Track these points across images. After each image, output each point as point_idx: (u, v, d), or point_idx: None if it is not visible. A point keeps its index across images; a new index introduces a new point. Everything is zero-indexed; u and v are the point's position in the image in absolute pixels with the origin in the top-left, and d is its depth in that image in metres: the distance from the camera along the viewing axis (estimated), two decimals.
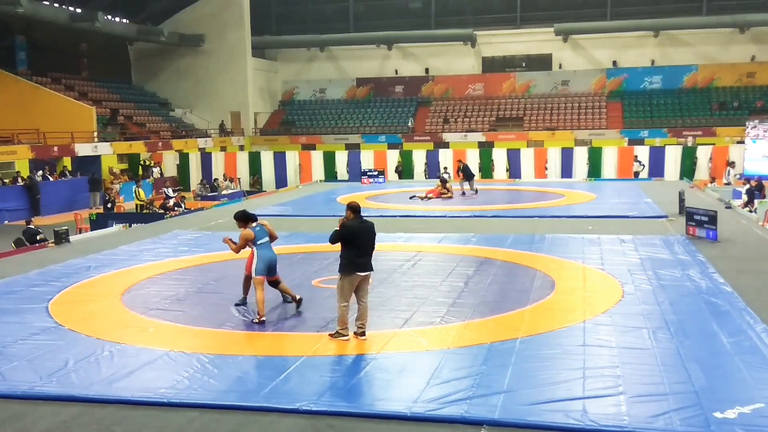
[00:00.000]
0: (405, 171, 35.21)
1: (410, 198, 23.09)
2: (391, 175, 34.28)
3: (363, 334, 8.11)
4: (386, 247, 14.27)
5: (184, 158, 37.50)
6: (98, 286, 11.24)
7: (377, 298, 10.04)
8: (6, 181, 29.58)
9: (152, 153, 38.07)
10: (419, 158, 35.62)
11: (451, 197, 23.12)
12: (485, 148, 37.40)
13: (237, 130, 47.03)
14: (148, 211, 24.79)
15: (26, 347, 8.05)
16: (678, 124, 42.20)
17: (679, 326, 8.41)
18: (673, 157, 32.98)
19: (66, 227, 16.74)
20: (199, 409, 6.31)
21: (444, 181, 23.89)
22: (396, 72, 50.36)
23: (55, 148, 31.83)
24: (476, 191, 24.26)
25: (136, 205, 26.54)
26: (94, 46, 43.26)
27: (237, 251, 9.41)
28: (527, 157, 34.57)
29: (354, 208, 8.30)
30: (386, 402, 6.31)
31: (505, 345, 7.83)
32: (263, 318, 8.86)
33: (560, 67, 48.09)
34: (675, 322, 8.60)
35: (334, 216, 19.41)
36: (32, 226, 18.34)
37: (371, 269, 8.20)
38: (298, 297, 9.51)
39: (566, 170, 33.80)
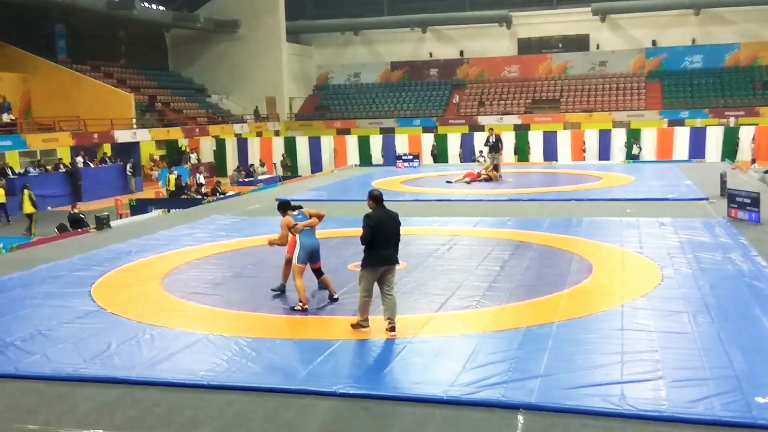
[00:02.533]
0: (440, 155, 35.09)
1: (447, 182, 22.90)
2: (426, 158, 34.18)
3: (393, 329, 7.69)
4: (422, 231, 14.27)
5: (220, 144, 37.89)
6: (139, 270, 11.45)
7: (413, 282, 10.06)
8: (48, 167, 30.22)
9: (189, 139, 38.54)
10: (454, 142, 35.44)
11: (488, 180, 22.84)
12: (521, 131, 37.07)
13: (272, 115, 47.29)
14: (186, 196, 25.14)
15: (70, 330, 8.25)
16: (719, 105, 41.29)
17: (719, 310, 8.27)
18: (714, 138, 32.34)
19: (107, 213, 17.06)
20: (238, 392, 6.40)
21: (495, 168, 23.24)
22: (430, 55, 50.08)
23: (96, 135, 32.40)
24: (497, 169, 23.42)
25: (168, 191, 26.93)
26: (132, 34, 43.80)
27: (283, 242, 9.23)
28: (564, 139, 34.17)
29: (376, 198, 7.91)
30: (422, 385, 6.33)
31: (541, 329, 7.78)
32: (306, 306, 8.81)
33: (597, 47, 47.34)
34: (716, 306, 8.46)
35: None
36: (76, 212, 18.76)
37: (397, 262, 7.91)
38: (335, 296, 9.25)
39: (604, 152, 33.36)
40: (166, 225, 15.97)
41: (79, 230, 16.42)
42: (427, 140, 35.91)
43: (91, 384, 6.67)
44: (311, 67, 51.87)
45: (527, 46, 48.81)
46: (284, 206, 9.39)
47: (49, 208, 25.90)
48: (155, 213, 18.69)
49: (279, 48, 47.02)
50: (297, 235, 9.03)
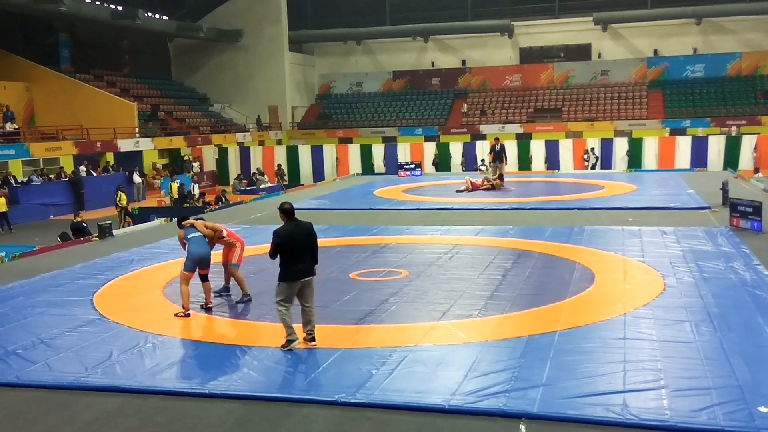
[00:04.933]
0: (442, 163, 35.12)
1: (457, 192, 22.79)
2: (429, 167, 34.21)
3: (313, 339, 7.63)
4: (423, 240, 14.27)
5: (223, 153, 37.95)
6: (141, 279, 11.45)
7: (414, 291, 10.05)
8: (51, 176, 30.29)
9: (192, 148, 38.60)
10: (456, 151, 35.48)
11: (491, 188, 22.84)
12: (523, 140, 37.09)
13: (275, 124, 47.40)
14: (188, 205, 25.18)
15: (72, 339, 8.25)
16: (721, 114, 41.32)
17: (722, 319, 8.25)
18: (716, 147, 32.31)
19: (109, 221, 17.08)
20: (239, 400, 6.40)
21: (500, 177, 23.25)
22: (432, 64, 50.22)
23: (98, 144, 32.48)
24: (501, 179, 23.39)
25: (171, 199, 26.98)
26: (135, 43, 43.99)
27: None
28: (566, 148, 34.19)
29: (286, 211, 7.79)
30: (424, 395, 6.32)
31: (543, 338, 7.77)
32: (189, 312, 9.08)
33: (599, 56, 47.46)
34: (718, 315, 8.44)
35: (371, 209, 19.48)
36: (78, 220, 18.79)
37: (313, 274, 7.74)
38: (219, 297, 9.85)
39: (606, 161, 33.36)
40: (168, 234, 15.98)
41: (82, 239, 16.44)
42: (429, 149, 35.95)
43: (93, 393, 6.67)
44: (314, 76, 52.01)
45: (529, 56, 48.92)
46: (180, 222, 9.85)
47: (51, 216, 25.94)
48: (157, 222, 18.71)
49: (281, 57, 47.17)
50: (188, 245, 9.33)
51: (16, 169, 30.30)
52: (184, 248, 9.46)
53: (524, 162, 34.32)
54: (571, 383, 6.48)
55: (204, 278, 9.54)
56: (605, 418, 5.75)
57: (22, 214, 25.11)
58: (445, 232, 15.02)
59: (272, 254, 7.67)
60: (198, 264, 9.31)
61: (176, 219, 10.11)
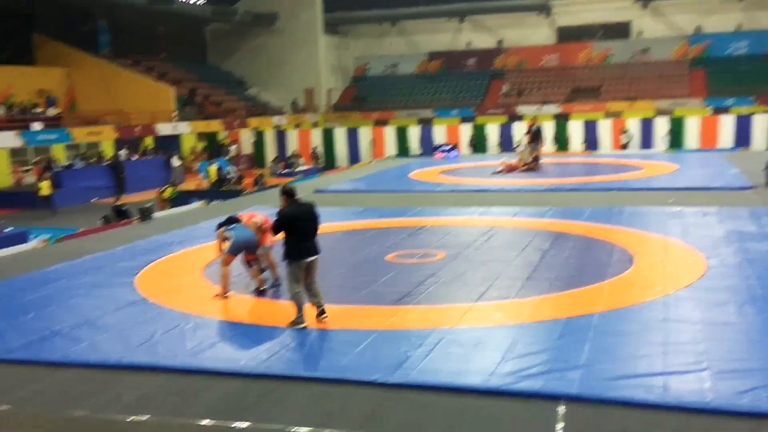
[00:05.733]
0: (478, 145, 34.89)
1: (493, 173, 22.66)
2: (465, 149, 34.02)
3: (323, 312, 7.89)
4: (460, 221, 14.23)
5: (259, 136, 38.21)
6: (181, 261, 11.63)
7: (451, 272, 10.04)
8: (92, 160, 30.85)
9: (229, 131, 38.93)
10: (493, 132, 35.20)
11: (528, 170, 22.64)
12: (561, 120, 36.62)
13: (310, 107, 47.52)
14: (226, 188, 25.45)
15: (115, 319, 8.42)
16: (766, 92, 40.20)
17: (766, 301, 8.09)
18: (760, 125, 31.50)
19: (150, 204, 17.35)
20: (278, 380, 6.48)
21: (537, 158, 23.03)
22: (468, 45, 49.74)
23: (138, 128, 32.96)
24: (537, 160, 23.23)
25: (210, 182, 27.28)
26: (172, 28, 44.37)
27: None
28: (605, 128, 33.68)
29: (288, 192, 7.92)
30: (461, 375, 6.32)
31: (582, 320, 7.71)
32: (227, 294, 9.13)
33: (639, 34, 46.48)
34: (762, 296, 8.27)
35: (407, 191, 19.46)
36: (120, 203, 19.14)
37: (318, 252, 7.90)
38: (276, 282, 9.67)
39: (646, 141, 32.80)
40: (207, 216, 16.18)
41: (123, 222, 16.74)
42: (465, 131, 35.71)
43: (136, 371, 6.81)
44: (349, 59, 51.92)
45: (567, 35, 48.14)
46: (222, 224, 9.66)
47: (93, 200, 26.44)
48: (196, 204, 18.94)
49: (316, 40, 47.17)
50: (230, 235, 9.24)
51: (59, 154, 30.93)
52: (222, 245, 9.36)
53: (562, 143, 33.91)
54: (610, 365, 6.42)
55: (251, 263, 9.55)
56: (645, 400, 5.70)
57: (65, 198, 25.63)
58: (482, 214, 14.95)
59: (274, 230, 7.90)
60: (244, 248, 9.29)
61: (222, 223, 9.81)
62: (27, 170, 29.84)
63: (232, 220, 9.69)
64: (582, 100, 43.47)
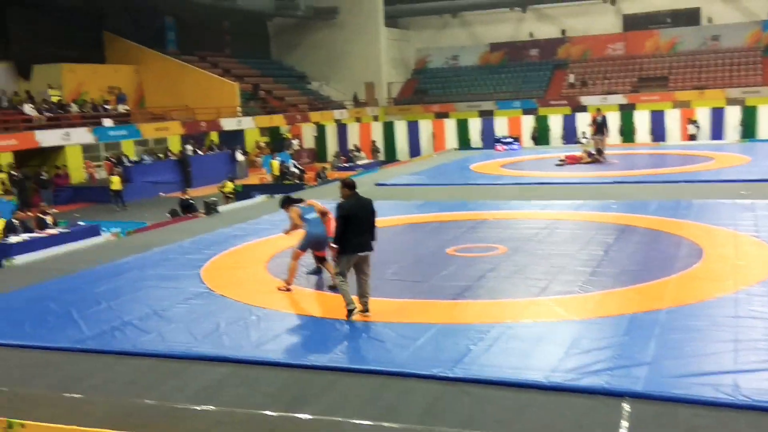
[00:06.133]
0: (541, 137, 34.40)
1: (557, 164, 22.37)
2: (527, 141, 33.59)
3: (367, 310, 7.87)
4: (521, 214, 14.07)
5: (321, 130, 38.53)
6: (245, 253, 11.85)
7: (512, 266, 9.94)
8: (160, 155, 31.69)
9: (291, 126, 39.39)
10: (556, 123, 34.64)
11: (592, 162, 22.22)
12: (626, 111, 35.77)
13: (371, 100, 47.66)
14: (289, 181, 25.78)
15: (182, 310, 8.65)
16: None
17: None
18: None
19: (215, 198, 17.73)
20: (340, 372, 6.54)
21: (601, 150, 22.63)
22: (531, 35, 49.02)
23: (203, 124, 33.67)
24: (601, 153, 22.70)
25: (273, 176, 27.67)
26: (236, 24, 45.08)
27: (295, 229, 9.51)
28: (672, 118, 32.75)
29: (349, 185, 7.94)
30: (523, 371, 6.26)
31: (648, 315, 7.53)
32: (290, 287, 9.24)
33: (709, 21, 44.94)
34: None
35: (468, 184, 19.34)
36: (186, 197, 19.62)
37: (371, 249, 7.87)
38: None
39: (716, 132, 31.75)
40: (270, 210, 16.42)
41: (189, 215, 17.15)
42: (528, 122, 35.25)
43: (202, 362, 6.98)
44: (409, 51, 51.82)
45: (633, 22, 46.91)
46: (287, 201, 9.77)
47: (161, 194, 27.16)
48: (259, 198, 19.25)
49: (377, 33, 47.23)
50: (304, 225, 9.27)
51: (129, 149, 31.87)
52: (295, 228, 9.47)
53: (628, 134, 33.12)
54: (677, 362, 6.26)
55: (321, 260, 9.60)
56: (714, 399, 5.53)
57: (134, 192, 26.42)
58: (544, 207, 14.74)
59: (337, 231, 7.79)
60: (314, 245, 9.36)
61: (282, 199, 10.00)
62: (98, 165, 30.88)
63: (292, 200, 9.74)
64: (649, 90, 42.34)
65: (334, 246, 7.95)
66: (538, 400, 5.77)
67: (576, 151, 23.62)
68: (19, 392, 6.39)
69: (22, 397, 6.26)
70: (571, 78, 45.22)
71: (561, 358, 6.48)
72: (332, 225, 9.74)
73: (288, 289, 9.23)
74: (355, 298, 7.93)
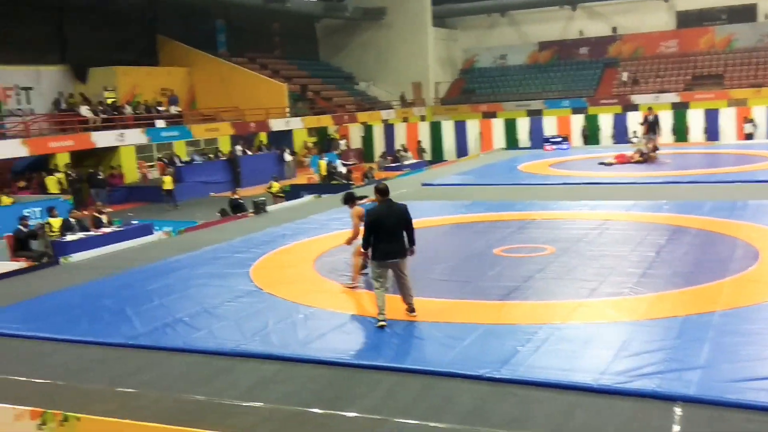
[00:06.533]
0: (591, 136, 33.88)
1: (600, 164, 22.09)
2: (576, 140, 33.13)
3: (412, 310, 7.81)
4: (570, 215, 13.90)
5: (368, 130, 38.65)
6: (293, 253, 11.97)
7: (561, 267, 9.83)
8: (210, 156, 32.22)
9: (339, 126, 39.62)
10: (606, 122, 34.09)
11: (643, 161, 21.81)
12: (679, 109, 34.99)
13: (418, 100, 47.62)
14: (336, 181, 25.93)
15: (232, 308, 8.78)
16: None
17: None
18: None
19: (263, 198, 17.95)
20: (386, 372, 6.56)
21: (653, 149, 22.19)
22: (581, 33, 48.35)
23: (252, 124, 34.11)
24: (653, 152, 22.19)
25: (320, 176, 27.86)
26: (285, 25, 45.54)
27: (357, 234, 9.31)
28: (727, 117, 31.91)
29: (381, 191, 7.81)
30: (571, 372, 6.19)
31: (701, 318, 7.36)
32: (356, 285, 9.28)
33: (767, 17, 43.63)
34: None
35: (516, 184, 19.18)
36: (236, 197, 19.91)
37: (401, 256, 7.71)
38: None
39: None
40: (317, 209, 16.56)
41: (239, 214, 17.40)
42: (577, 122, 34.76)
43: (251, 359, 7.07)
44: (457, 51, 51.62)
45: (687, 19, 45.86)
46: (350, 198, 9.62)
47: (211, 194, 27.60)
48: (307, 198, 19.42)
49: (425, 33, 47.15)
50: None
51: (180, 150, 32.48)
52: (355, 234, 9.40)
53: (681, 133, 32.38)
54: (731, 366, 6.11)
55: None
56: None
57: (185, 192, 26.90)
58: (594, 208, 14.53)
59: (364, 237, 7.79)
60: None
61: (345, 195, 9.91)
62: (151, 166, 31.55)
63: (355, 198, 9.70)
64: (703, 88, 41.35)
65: (363, 251, 7.94)
66: (586, 403, 5.69)
67: (626, 151, 23.20)
68: (76, 386, 6.57)
69: (78, 391, 6.44)
70: (624, 76, 44.42)
71: (611, 360, 6.38)
72: None
73: (354, 287, 9.23)
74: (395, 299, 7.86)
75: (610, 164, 21.95)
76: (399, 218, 7.74)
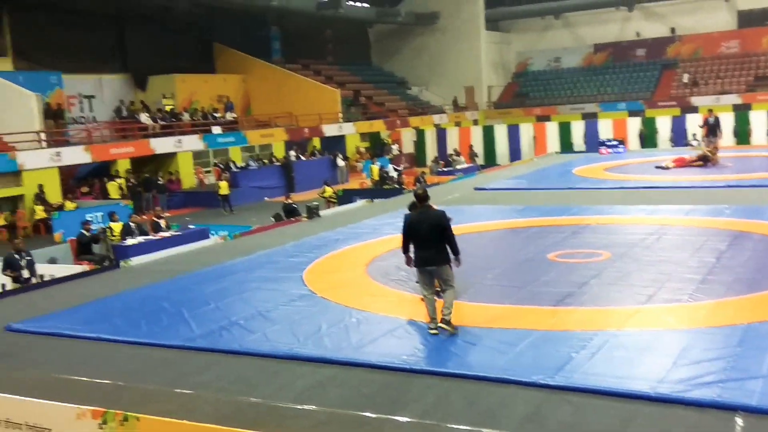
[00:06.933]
0: (648, 139, 33.21)
1: (657, 168, 21.66)
2: (633, 144, 32.51)
3: (448, 323, 7.48)
4: (626, 220, 13.64)
5: (420, 135, 38.68)
6: (345, 257, 12.05)
7: (617, 272, 9.66)
8: (265, 161, 32.71)
9: (391, 131, 39.75)
10: (664, 125, 33.36)
11: (702, 165, 21.28)
12: (741, 111, 34.01)
13: (471, 104, 47.45)
14: (388, 186, 26.02)
15: (285, 312, 8.88)
16: None
17: None
18: None
19: (317, 203, 18.13)
20: (439, 377, 6.54)
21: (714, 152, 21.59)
22: (637, 34, 47.48)
23: (306, 130, 34.51)
24: (714, 154, 21.59)
25: (373, 181, 28.00)
26: (338, 32, 45.99)
27: None
28: None
29: (418, 196, 7.71)
30: (628, 380, 6.07)
31: (764, 326, 7.13)
32: None
33: None
34: None
35: (570, 188, 18.92)
36: (290, 202, 20.16)
37: (438, 264, 7.52)
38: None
39: None
40: (370, 214, 16.63)
41: (293, 219, 17.61)
42: (633, 124, 34.11)
43: (305, 363, 7.14)
44: (510, 55, 51.26)
45: (749, 19, 44.56)
46: (416, 205, 9.44)
47: (266, 199, 28.01)
48: (360, 203, 19.52)
49: (478, 37, 46.98)
50: None
51: (236, 156, 33.07)
52: None
53: (742, 135, 31.47)
54: None
55: None
56: None
57: (240, 197, 27.38)
58: (651, 212, 14.23)
59: (402, 245, 7.75)
60: None
61: (411, 204, 9.96)
62: (207, 171, 32.19)
63: (426, 198, 9.64)
64: (765, 89, 40.13)
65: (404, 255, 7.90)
66: (643, 412, 5.58)
67: (685, 154, 22.66)
68: (136, 387, 6.75)
69: (138, 392, 6.61)
70: (685, 78, 43.41)
71: (669, 368, 6.24)
72: None
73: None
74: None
75: (668, 168, 21.47)
76: (433, 225, 7.60)
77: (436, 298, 7.78)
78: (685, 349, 6.67)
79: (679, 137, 32.11)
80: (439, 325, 7.57)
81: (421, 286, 7.86)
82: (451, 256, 7.66)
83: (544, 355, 6.79)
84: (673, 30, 46.45)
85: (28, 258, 12.32)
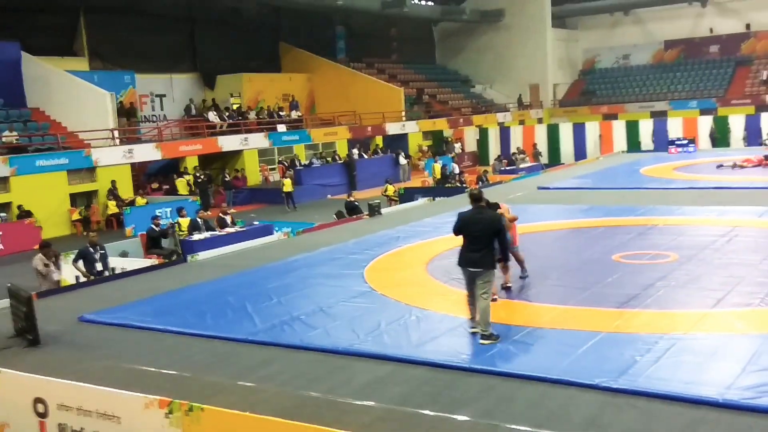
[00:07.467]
0: (720, 138, 32.16)
1: (717, 167, 21.01)
2: (704, 143, 31.54)
3: (487, 338, 7.24)
4: (696, 221, 13.27)
5: (483, 133, 38.40)
6: (406, 255, 12.08)
7: (685, 275, 9.41)
8: (328, 159, 33.03)
9: (454, 129, 39.59)
10: (737, 124, 32.24)
11: None
12: None
13: (535, 102, 46.84)
14: (450, 185, 25.94)
15: (346, 308, 8.97)
16: None
17: None
18: None
19: (378, 201, 18.21)
20: (498, 377, 6.50)
21: None
22: (711, 31, 45.98)
23: (369, 128, 34.67)
24: None
25: (435, 179, 27.93)
26: (402, 30, 46.03)
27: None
28: None
29: (472, 196, 7.62)
30: (695, 386, 5.91)
31: None
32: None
33: None
34: None
35: (637, 188, 18.49)
36: (352, 200, 20.32)
37: (480, 267, 7.31)
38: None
39: None
40: (431, 212, 16.62)
41: (354, 217, 17.73)
42: (704, 123, 33.08)
43: (365, 359, 7.20)
44: (577, 52, 50.37)
45: None
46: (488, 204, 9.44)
47: (328, 196, 28.28)
48: (421, 201, 19.52)
49: (543, 34, 46.31)
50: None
51: (300, 153, 33.51)
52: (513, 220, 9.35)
53: None
54: None
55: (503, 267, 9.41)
56: None
57: (304, 194, 27.72)
58: (722, 213, 13.79)
59: (454, 231, 7.71)
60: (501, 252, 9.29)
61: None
62: (272, 169, 32.71)
63: (488, 205, 9.61)
64: None
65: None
66: (711, 418, 5.43)
67: (759, 154, 21.87)
68: (201, 378, 6.93)
69: (203, 384, 6.78)
70: (764, 75, 41.83)
71: (738, 374, 6.05)
72: (516, 232, 9.62)
73: (494, 299, 8.55)
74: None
75: (742, 167, 20.77)
76: (486, 226, 7.44)
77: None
78: (755, 355, 6.45)
79: (753, 136, 30.98)
80: (473, 332, 7.56)
81: (466, 288, 7.76)
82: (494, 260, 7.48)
83: (607, 358, 6.67)
84: (748, 26, 44.83)
85: (102, 252, 12.77)
